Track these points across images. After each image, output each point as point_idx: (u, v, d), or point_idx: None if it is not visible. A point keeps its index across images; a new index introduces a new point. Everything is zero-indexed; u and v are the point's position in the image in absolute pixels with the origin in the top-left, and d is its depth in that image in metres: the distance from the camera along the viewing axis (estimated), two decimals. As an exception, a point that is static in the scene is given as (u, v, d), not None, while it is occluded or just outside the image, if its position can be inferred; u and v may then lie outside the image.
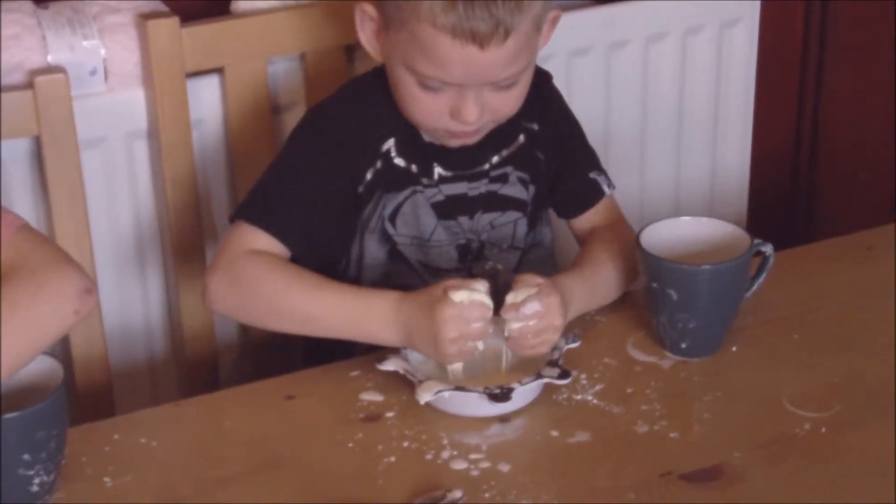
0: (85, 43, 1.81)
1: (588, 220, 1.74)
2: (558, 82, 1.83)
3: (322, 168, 1.62)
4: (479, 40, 1.49)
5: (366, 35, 1.63)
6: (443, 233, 1.66)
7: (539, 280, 1.51)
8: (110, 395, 1.92)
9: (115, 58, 1.83)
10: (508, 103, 1.59)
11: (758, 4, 2.22)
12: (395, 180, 1.64)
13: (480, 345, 1.48)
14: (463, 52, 1.50)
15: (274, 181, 1.64)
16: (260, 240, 1.59)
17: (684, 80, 2.21)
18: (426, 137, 1.65)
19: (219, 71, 1.90)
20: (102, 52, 1.82)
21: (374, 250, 1.66)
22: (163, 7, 1.88)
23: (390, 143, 1.64)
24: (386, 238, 1.65)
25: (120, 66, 1.84)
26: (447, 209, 1.66)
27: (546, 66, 1.93)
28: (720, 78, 2.24)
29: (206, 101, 1.91)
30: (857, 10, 2.44)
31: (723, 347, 1.58)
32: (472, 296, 1.46)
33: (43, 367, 1.39)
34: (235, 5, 1.92)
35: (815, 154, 2.52)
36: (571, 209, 1.75)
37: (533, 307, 1.48)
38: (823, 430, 1.44)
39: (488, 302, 1.47)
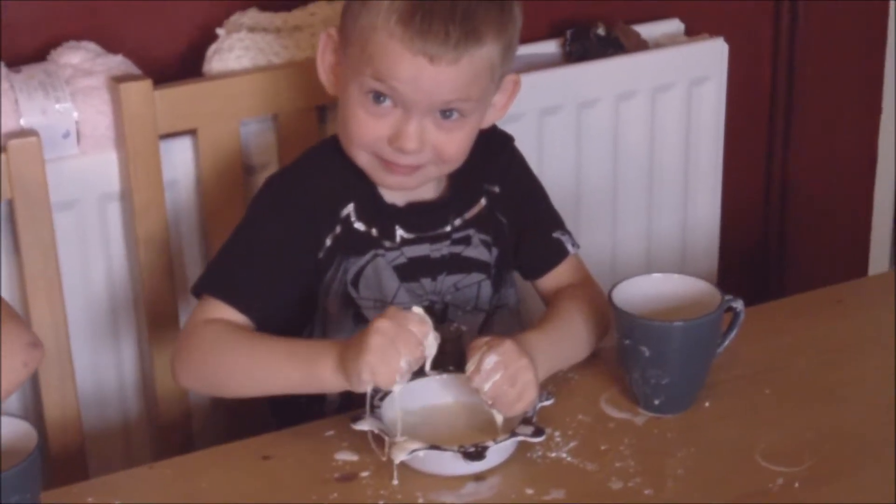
0: (57, 106, 1.82)
1: (553, 279, 1.74)
2: (529, 141, 1.85)
3: (281, 236, 1.63)
4: (430, 55, 1.51)
5: (324, 66, 1.65)
6: (405, 295, 1.66)
7: (485, 339, 1.51)
8: (84, 457, 1.91)
9: (88, 120, 1.84)
10: (451, 145, 1.59)
11: (725, 62, 2.25)
12: (355, 245, 1.64)
13: (405, 373, 1.44)
14: (413, 62, 1.52)
15: (233, 252, 1.64)
16: (222, 312, 1.59)
17: (654, 137, 2.23)
18: (387, 199, 1.65)
19: (191, 132, 1.90)
20: (75, 115, 1.83)
21: (337, 315, 1.66)
22: (135, 69, 1.88)
23: (349, 209, 1.65)
24: (349, 302, 1.65)
25: (93, 128, 1.84)
26: (410, 271, 1.66)
27: (517, 125, 1.95)
28: (689, 135, 2.26)
29: (179, 163, 1.92)
30: (824, 67, 2.47)
31: (695, 403, 1.58)
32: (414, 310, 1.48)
33: (16, 430, 1.38)
34: (208, 67, 1.93)
35: (785, 209, 2.54)
36: (536, 270, 1.75)
37: (490, 360, 1.48)
38: (796, 484, 1.44)
39: (426, 317, 1.47)
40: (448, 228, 1.68)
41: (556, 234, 1.75)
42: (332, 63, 1.64)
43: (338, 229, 1.64)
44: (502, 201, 1.71)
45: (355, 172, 1.64)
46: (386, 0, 1.52)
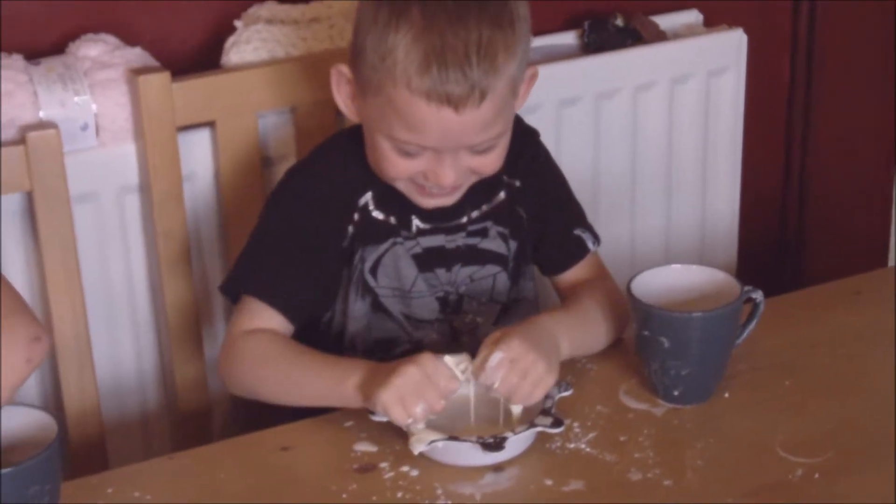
0: (76, 98, 1.82)
1: (572, 276, 1.75)
2: (548, 132, 1.84)
3: (308, 230, 1.63)
4: (455, 103, 1.50)
5: (342, 97, 1.64)
6: (423, 284, 1.67)
7: (496, 334, 1.52)
8: (103, 448, 1.92)
9: (107, 113, 1.84)
10: (487, 165, 1.60)
11: (744, 53, 2.24)
12: (374, 233, 1.65)
13: (421, 418, 1.45)
14: (439, 115, 1.51)
15: (266, 250, 1.65)
16: (263, 315, 1.61)
17: (672, 128, 2.23)
18: None
19: (210, 125, 1.91)
20: (94, 107, 1.83)
21: (355, 302, 1.66)
22: (154, 62, 1.89)
23: (367, 197, 1.65)
24: (367, 290, 1.66)
25: (111, 121, 1.85)
26: (425, 261, 1.67)
27: (535, 117, 1.95)
28: (708, 126, 2.26)
29: (198, 155, 1.92)
30: (843, 57, 2.46)
31: (715, 394, 1.58)
32: (446, 361, 1.49)
33: (36, 421, 1.39)
34: (226, 59, 1.93)
35: (804, 200, 2.54)
36: (555, 266, 1.75)
37: (495, 357, 1.49)
38: (816, 475, 1.44)
39: (460, 376, 1.49)
40: (464, 220, 1.68)
41: (577, 231, 1.75)
42: (349, 94, 1.63)
43: (356, 217, 1.64)
44: (523, 195, 1.71)
45: None
46: (399, 52, 1.50)
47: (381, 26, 1.52)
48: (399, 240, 1.65)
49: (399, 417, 1.46)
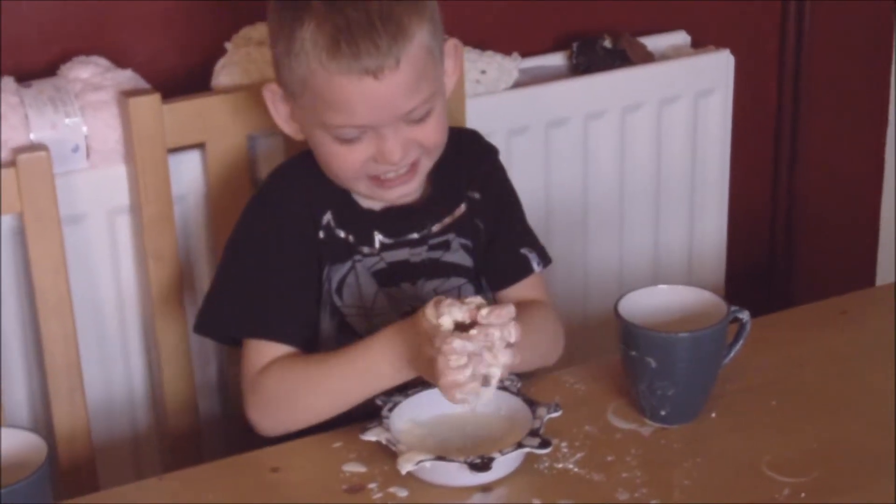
0: (67, 120, 1.83)
1: (514, 294, 1.74)
2: (536, 152, 1.85)
3: (282, 255, 1.64)
4: (373, 72, 1.52)
5: (280, 117, 1.66)
6: (385, 300, 1.67)
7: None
8: (93, 469, 1.91)
9: (97, 135, 1.85)
10: (429, 134, 1.61)
11: (731, 74, 2.25)
12: (337, 252, 1.66)
13: (477, 382, 1.45)
14: (361, 86, 1.53)
15: (250, 283, 1.65)
16: (268, 351, 1.61)
17: (661, 149, 2.24)
18: (364, 204, 1.66)
19: (200, 146, 1.91)
20: (84, 129, 1.84)
21: (325, 324, 1.67)
22: (144, 84, 1.89)
23: (328, 217, 1.66)
24: (334, 310, 1.66)
25: (102, 142, 1.85)
26: (389, 276, 1.67)
27: (523, 138, 1.96)
28: (696, 147, 2.27)
29: (188, 177, 1.93)
30: (830, 78, 2.48)
31: (702, 414, 1.59)
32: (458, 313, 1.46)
33: (26, 443, 1.39)
34: (216, 81, 1.94)
35: (791, 220, 2.55)
36: (498, 282, 1.75)
37: (484, 311, 1.46)
38: (803, 495, 1.45)
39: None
40: (426, 233, 1.69)
41: (523, 251, 1.76)
42: (287, 112, 1.66)
43: (322, 235, 1.66)
44: (481, 208, 1.73)
45: (329, 182, 1.66)
46: (307, 43, 1.53)
47: (288, 27, 1.56)
48: (359, 257, 1.66)
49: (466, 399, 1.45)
